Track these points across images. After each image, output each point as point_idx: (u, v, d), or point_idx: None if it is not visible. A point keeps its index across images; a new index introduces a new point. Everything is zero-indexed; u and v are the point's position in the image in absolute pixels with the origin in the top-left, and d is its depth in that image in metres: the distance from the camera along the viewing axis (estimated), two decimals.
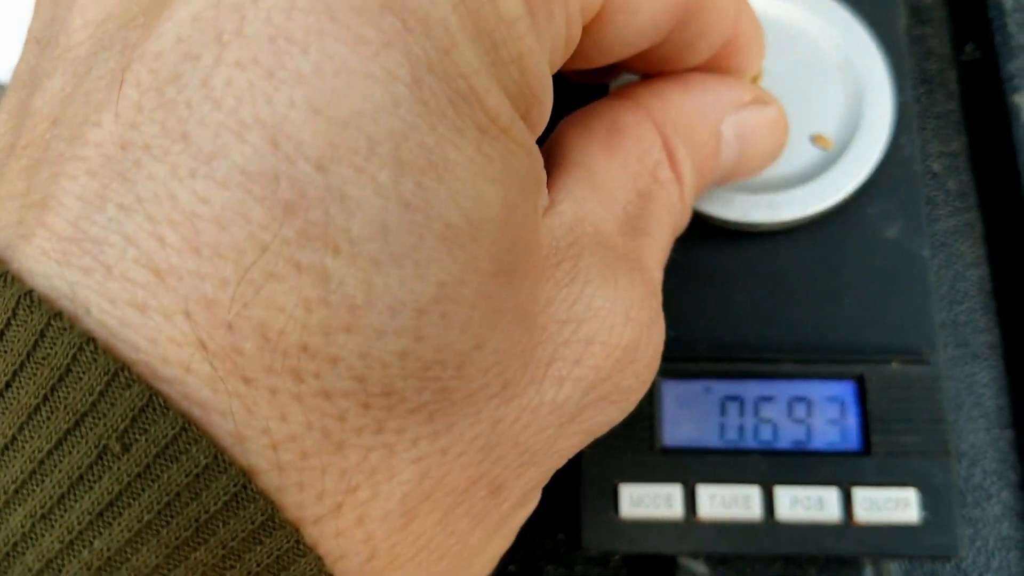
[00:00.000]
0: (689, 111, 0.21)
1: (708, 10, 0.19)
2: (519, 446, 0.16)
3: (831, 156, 0.26)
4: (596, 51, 0.18)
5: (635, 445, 0.25)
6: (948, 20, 0.33)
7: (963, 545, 0.24)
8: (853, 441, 0.25)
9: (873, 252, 0.26)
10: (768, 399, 0.25)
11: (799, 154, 0.26)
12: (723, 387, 0.26)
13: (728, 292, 0.26)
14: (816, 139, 0.27)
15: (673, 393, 0.26)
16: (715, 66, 0.22)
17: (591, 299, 0.16)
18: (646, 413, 0.25)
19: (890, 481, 0.24)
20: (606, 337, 0.17)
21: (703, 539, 0.24)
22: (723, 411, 0.25)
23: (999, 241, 0.31)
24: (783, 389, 0.25)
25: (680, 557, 0.27)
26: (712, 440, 0.25)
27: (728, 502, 0.25)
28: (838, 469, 0.25)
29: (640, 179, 0.20)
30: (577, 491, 0.25)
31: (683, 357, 0.26)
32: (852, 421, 0.25)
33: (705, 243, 0.26)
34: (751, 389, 0.25)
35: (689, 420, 0.25)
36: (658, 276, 0.19)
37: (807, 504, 0.24)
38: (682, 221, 0.21)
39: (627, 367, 0.17)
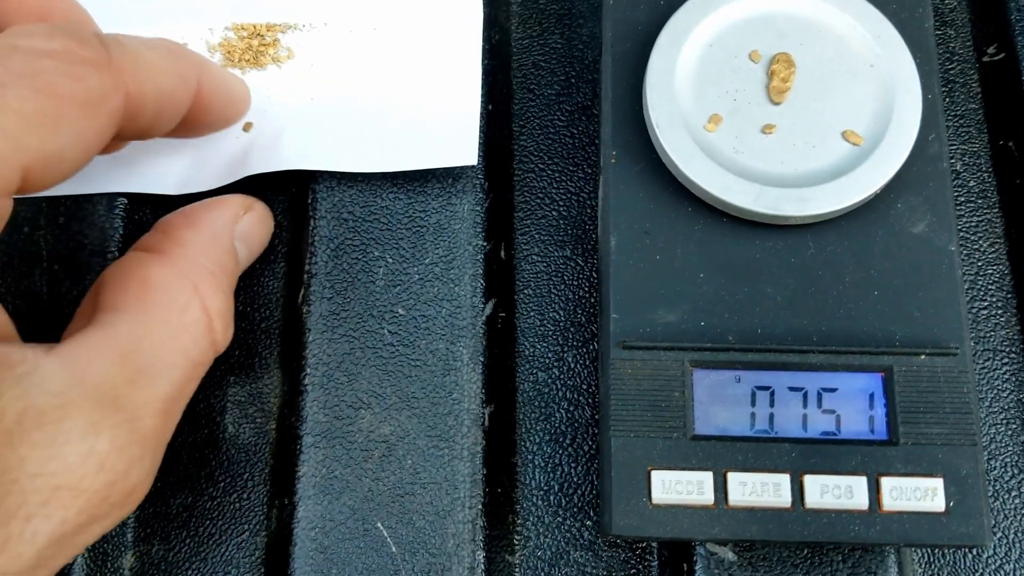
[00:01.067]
0: (208, 248, 0.27)
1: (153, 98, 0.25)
2: None
3: (861, 152, 0.27)
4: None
5: (667, 432, 0.25)
6: (970, 22, 0.34)
7: (989, 534, 0.24)
8: (881, 431, 0.25)
9: (901, 246, 0.27)
10: (798, 389, 0.26)
11: (830, 150, 0.27)
12: (754, 377, 0.26)
13: (759, 284, 0.27)
14: (847, 135, 0.27)
15: (704, 382, 0.26)
16: (196, 121, 0.28)
17: (65, 457, 0.20)
18: (678, 402, 0.26)
19: (917, 470, 0.25)
20: (76, 484, 0.21)
21: (733, 525, 0.25)
22: (753, 400, 0.26)
23: (1019, 238, 0.31)
24: (813, 380, 0.26)
25: (707, 544, 0.28)
26: (743, 428, 0.26)
27: (759, 489, 0.25)
28: (867, 458, 0.25)
29: (168, 330, 0.24)
30: (608, 477, 0.26)
31: (714, 347, 0.26)
32: (880, 411, 0.26)
33: (737, 235, 0.27)
34: (781, 379, 0.26)
35: (720, 409, 0.26)
36: (153, 423, 0.23)
37: (836, 492, 0.25)
38: (216, 346, 0.26)
39: (101, 503, 0.21)
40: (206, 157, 0.31)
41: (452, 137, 0.30)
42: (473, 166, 0.31)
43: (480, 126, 0.32)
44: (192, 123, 0.28)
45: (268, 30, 0.32)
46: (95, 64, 0.23)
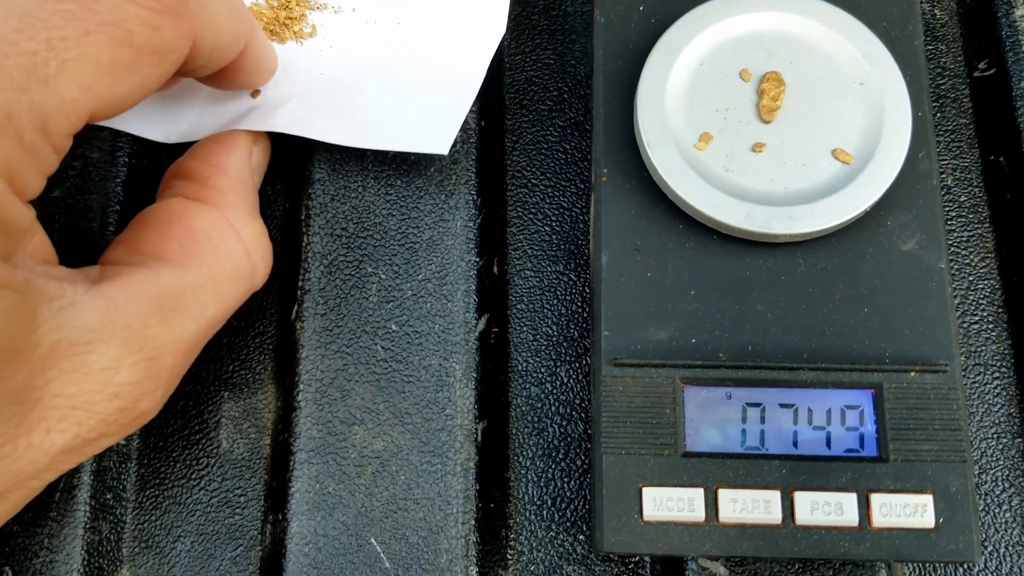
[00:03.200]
0: (241, 191, 0.28)
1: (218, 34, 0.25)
2: (11, 471, 0.22)
3: (851, 170, 0.27)
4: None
5: (658, 449, 0.26)
6: (961, 38, 0.34)
7: (978, 550, 0.25)
8: (871, 448, 0.26)
9: (891, 264, 0.27)
10: (788, 406, 0.26)
11: (820, 168, 0.27)
12: (744, 394, 0.26)
13: (750, 301, 0.27)
14: (837, 153, 0.27)
15: (695, 399, 0.26)
16: (224, 77, 0.28)
17: (87, 384, 0.22)
18: (669, 418, 0.26)
19: (907, 487, 0.25)
20: (91, 407, 0.23)
21: (724, 542, 0.25)
22: (744, 417, 0.26)
23: (1010, 253, 0.32)
24: (803, 397, 0.26)
25: (698, 559, 0.28)
26: (733, 445, 0.26)
27: (749, 506, 0.25)
28: (857, 475, 0.25)
29: (211, 277, 0.26)
30: (599, 494, 0.26)
31: (705, 364, 0.26)
32: (870, 428, 0.26)
33: (728, 253, 0.27)
34: (772, 396, 0.26)
35: (711, 425, 0.26)
36: (172, 361, 0.25)
37: (826, 509, 0.25)
38: (254, 287, 0.28)
39: (111, 424, 0.23)
40: (209, 113, 0.31)
41: (432, 125, 0.30)
42: (469, 181, 0.31)
43: (472, 141, 0.32)
44: (219, 77, 0.28)
45: (298, 4, 0.32)
46: (173, 13, 0.23)
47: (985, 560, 0.29)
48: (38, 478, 0.23)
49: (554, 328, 0.31)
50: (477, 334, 0.30)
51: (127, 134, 0.32)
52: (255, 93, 0.31)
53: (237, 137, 0.29)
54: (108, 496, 0.29)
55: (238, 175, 0.28)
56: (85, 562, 0.28)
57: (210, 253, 0.26)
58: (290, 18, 0.32)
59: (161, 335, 0.24)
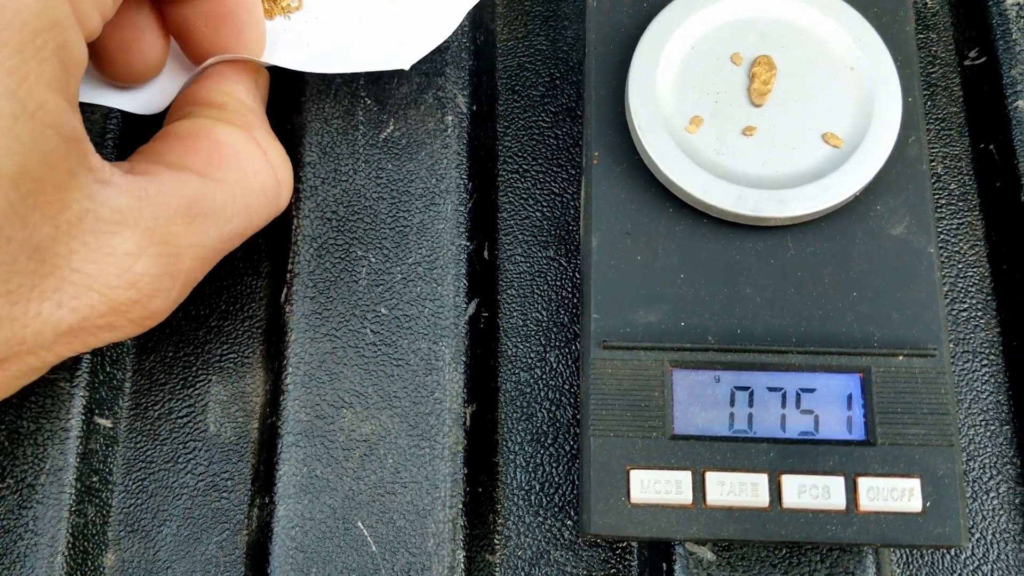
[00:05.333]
0: (261, 114, 0.29)
1: None
2: (16, 337, 0.22)
3: (841, 154, 0.27)
4: None
5: (646, 432, 0.26)
6: (952, 26, 0.34)
7: (965, 535, 0.24)
8: (859, 431, 0.26)
9: (881, 248, 0.27)
10: (777, 390, 0.26)
11: (810, 151, 0.27)
12: (733, 377, 0.26)
13: (739, 285, 0.27)
14: (827, 137, 0.27)
15: (684, 382, 0.26)
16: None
17: (107, 266, 0.23)
18: (658, 401, 0.26)
19: (895, 471, 0.25)
20: (106, 292, 0.23)
21: (711, 525, 0.25)
22: (732, 400, 0.26)
23: (999, 241, 0.32)
24: (791, 380, 0.26)
25: (686, 544, 0.28)
26: (721, 428, 0.26)
27: (737, 489, 0.25)
28: (844, 458, 0.25)
29: (240, 190, 0.26)
30: (587, 477, 0.26)
31: (694, 347, 0.26)
32: (858, 412, 0.26)
33: (718, 237, 0.27)
34: (760, 380, 0.26)
35: (699, 409, 0.26)
36: (191, 265, 0.25)
37: (814, 492, 0.25)
38: (279, 207, 0.28)
39: (122, 315, 0.24)
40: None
41: (404, 39, 0.30)
42: (460, 165, 0.31)
43: (464, 125, 0.32)
44: (205, 24, 0.28)
45: None
46: None
47: (972, 547, 0.29)
48: (37, 355, 0.23)
49: (544, 313, 0.31)
50: (467, 318, 0.30)
51: (116, 119, 0.32)
52: None
53: (239, 66, 0.29)
54: (94, 479, 0.29)
55: (253, 100, 0.29)
56: (70, 545, 0.28)
57: (238, 168, 0.26)
58: None
59: (184, 235, 0.24)
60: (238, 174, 0.26)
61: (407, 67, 0.29)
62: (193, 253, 0.25)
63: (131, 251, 0.23)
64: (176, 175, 0.25)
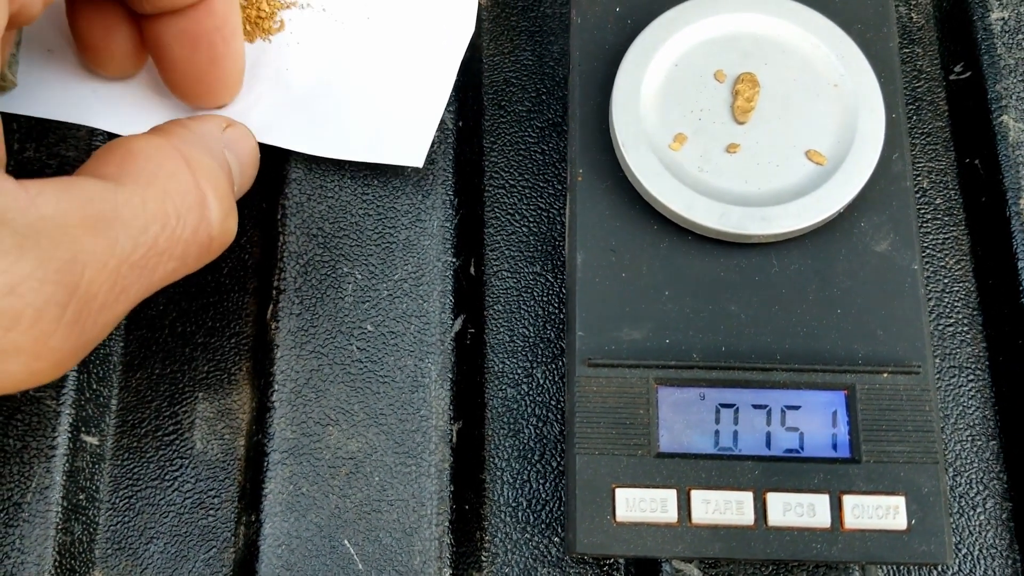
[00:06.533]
0: (202, 139, 0.26)
1: None
2: None
3: (825, 171, 0.27)
4: None
5: (631, 450, 0.26)
6: (938, 41, 0.34)
7: (950, 552, 0.25)
8: (844, 449, 0.26)
9: (865, 265, 0.27)
10: (761, 407, 0.26)
11: (794, 169, 0.27)
12: (718, 394, 0.26)
13: (723, 302, 0.27)
14: (810, 154, 0.27)
15: (669, 400, 0.26)
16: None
17: None
18: (643, 419, 0.26)
19: (879, 488, 0.25)
20: None
21: (697, 543, 0.25)
22: (717, 418, 0.26)
23: (984, 256, 0.32)
24: (776, 397, 0.26)
25: (672, 561, 0.28)
26: (706, 446, 0.26)
27: (722, 507, 0.25)
28: (829, 476, 0.25)
29: (150, 192, 0.23)
30: (572, 495, 0.26)
31: (679, 365, 0.26)
32: (843, 429, 0.26)
33: (702, 254, 0.27)
34: (745, 397, 0.26)
35: (684, 426, 0.26)
36: (93, 276, 0.21)
37: (799, 510, 0.25)
38: (211, 230, 0.24)
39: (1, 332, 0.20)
40: (182, 111, 0.31)
41: (406, 137, 0.30)
42: (446, 181, 0.31)
43: (450, 141, 0.32)
44: (181, 43, 0.27)
45: (269, 3, 0.32)
46: None
47: (959, 563, 0.29)
48: None
49: (530, 329, 0.31)
50: (453, 335, 0.30)
51: (103, 134, 0.32)
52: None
53: (212, 115, 0.28)
54: (81, 497, 0.29)
55: (199, 131, 0.27)
56: (57, 563, 0.28)
57: (150, 171, 0.23)
58: (260, 17, 0.32)
59: (83, 239, 0.21)
60: (150, 176, 0.23)
61: (420, 164, 0.30)
62: (97, 263, 0.21)
63: (10, 250, 0.19)
64: (74, 179, 0.22)
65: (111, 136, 0.32)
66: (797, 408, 0.26)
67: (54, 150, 0.32)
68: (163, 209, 0.23)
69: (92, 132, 0.32)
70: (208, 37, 0.28)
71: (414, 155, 0.30)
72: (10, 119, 0.31)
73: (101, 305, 0.21)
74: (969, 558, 0.29)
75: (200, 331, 0.31)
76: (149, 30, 0.28)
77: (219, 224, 0.25)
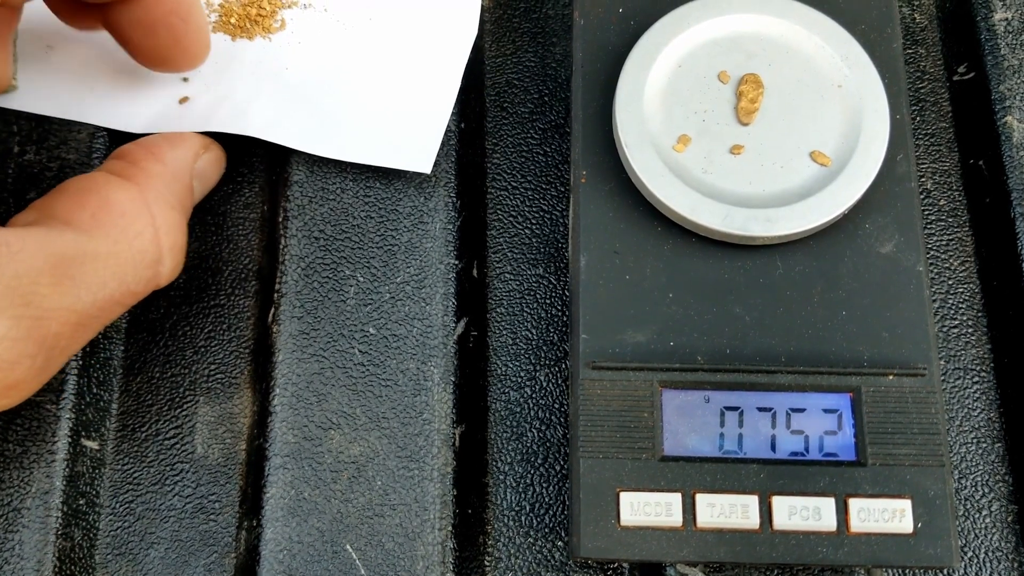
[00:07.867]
0: (171, 183, 0.27)
1: None
2: None
3: (829, 173, 0.27)
4: None
5: (636, 454, 0.25)
6: (941, 42, 0.34)
7: (957, 555, 0.24)
8: (849, 452, 0.25)
9: (870, 266, 0.27)
10: (766, 410, 0.26)
11: (798, 170, 0.27)
12: (722, 397, 0.26)
13: (728, 304, 0.27)
14: (815, 155, 0.27)
15: (673, 403, 0.26)
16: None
17: None
18: (647, 422, 0.26)
19: (885, 492, 0.25)
20: None
21: (702, 548, 0.25)
22: (722, 421, 0.26)
23: (989, 257, 0.31)
24: (781, 400, 0.26)
25: (676, 565, 0.27)
26: (711, 449, 0.26)
27: (727, 511, 0.25)
28: (834, 479, 0.25)
29: (114, 251, 0.25)
30: (576, 499, 0.26)
31: (683, 367, 0.26)
32: (848, 432, 0.26)
33: (706, 256, 0.27)
34: (750, 400, 0.26)
35: (689, 429, 0.26)
36: (60, 330, 0.23)
37: (804, 514, 0.25)
38: (157, 279, 0.26)
39: None
40: (177, 108, 0.31)
41: (413, 142, 0.30)
42: (448, 184, 0.31)
43: (452, 143, 0.32)
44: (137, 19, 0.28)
45: (270, 2, 0.32)
46: None
47: (965, 566, 0.29)
48: None
49: (533, 332, 0.31)
50: (455, 338, 0.30)
51: (104, 138, 0.32)
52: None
53: (187, 136, 0.29)
54: (81, 502, 0.29)
55: (173, 168, 0.28)
56: (56, 569, 0.28)
57: (120, 228, 0.25)
58: (260, 15, 0.32)
59: (51, 296, 0.23)
60: (118, 234, 0.25)
61: (428, 170, 0.30)
62: (62, 317, 0.23)
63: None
64: (47, 231, 0.23)
65: (111, 136, 0.32)
66: (802, 411, 0.26)
67: (55, 153, 0.32)
68: (123, 269, 0.25)
69: (93, 136, 0.32)
70: (165, 21, 0.28)
71: (422, 161, 0.30)
72: (11, 122, 0.31)
73: (63, 348, 0.24)
74: (975, 561, 0.29)
75: (201, 335, 0.31)
76: (108, 21, 0.28)
77: (167, 277, 0.27)
